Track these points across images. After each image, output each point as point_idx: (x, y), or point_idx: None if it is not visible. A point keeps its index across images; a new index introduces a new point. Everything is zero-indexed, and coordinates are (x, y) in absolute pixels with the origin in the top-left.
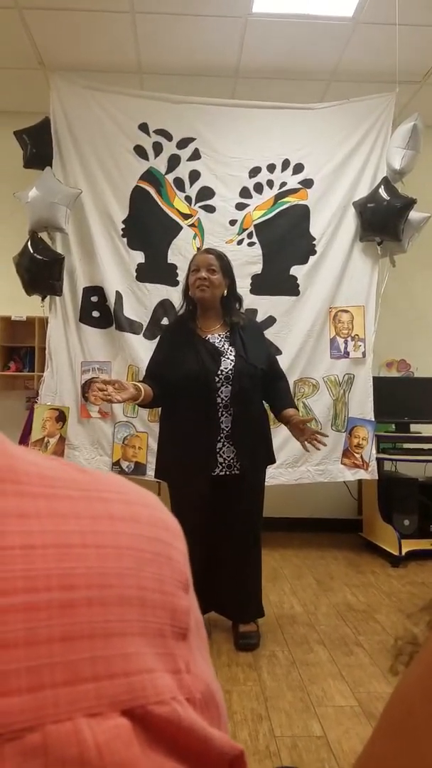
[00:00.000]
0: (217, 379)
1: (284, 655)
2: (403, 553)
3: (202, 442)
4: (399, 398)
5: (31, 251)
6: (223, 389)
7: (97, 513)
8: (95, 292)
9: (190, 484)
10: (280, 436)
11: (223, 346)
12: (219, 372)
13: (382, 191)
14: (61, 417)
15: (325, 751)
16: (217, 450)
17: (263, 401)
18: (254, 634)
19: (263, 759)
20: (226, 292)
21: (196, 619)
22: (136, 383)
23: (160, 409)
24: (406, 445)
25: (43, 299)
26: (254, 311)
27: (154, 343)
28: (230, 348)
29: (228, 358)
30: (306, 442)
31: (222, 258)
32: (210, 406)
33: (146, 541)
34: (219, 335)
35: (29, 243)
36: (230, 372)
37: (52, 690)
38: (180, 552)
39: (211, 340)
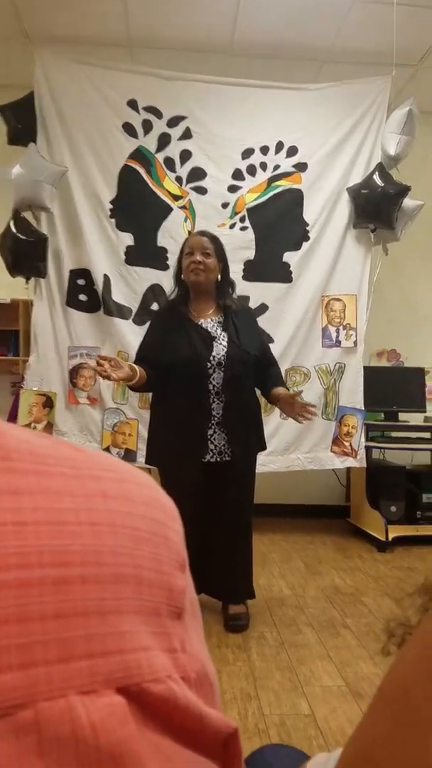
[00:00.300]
0: (209, 364)
1: (273, 636)
2: (390, 538)
3: (193, 429)
4: (388, 388)
5: (14, 231)
6: (215, 375)
7: (90, 491)
8: (82, 275)
9: (181, 470)
10: (272, 423)
11: (215, 331)
12: (211, 358)
13: (376, 177)
14: (48, 403)
15: (312, 728)
16: (209, 437)
17: (255, 388)
18: (244, 616)
19: (252, 737)
20: (219, 276)
21: (192, 599)
22: (132, 364)
23: (151, 395)
24: (394, 434)
25: (27, 281)
26: (246, 298)
27: (144, 328)
28: (223, 333)
29: (221, 344)
30: (297, 416)
31: (216, 241)
32: (202, 392)
33: (141, 519)
34: (212, 320)
35: (12, 222)
36: (222, 358)
37: (44, 667)
38: (176, 532)
39: (203, 325)
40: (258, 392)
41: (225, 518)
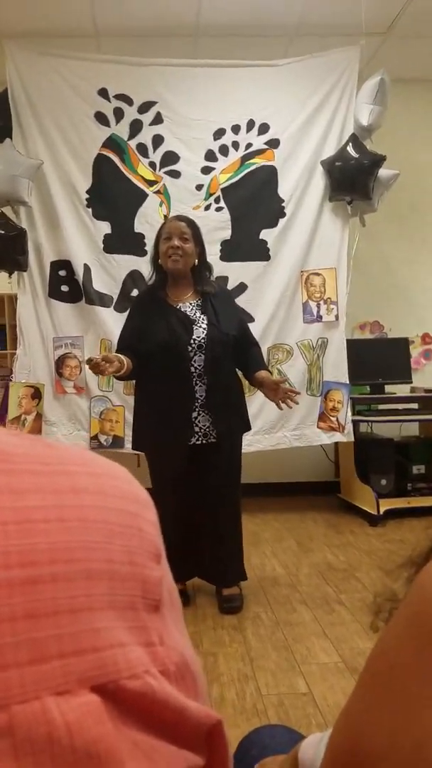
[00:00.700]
0: (189, 348)
1: (268, 616)
2: (381, 512)
3: (177, 412)
4: (373, 360)
5: None
6: (196, 358)
7: (60, 487)
8: (63, 266)
9: (167, 454)
10: (256, 403)
11: (194, 314)
12: (191, 341)
13: (350, 149)
14: (37, 394)
15: (311, 706)
16: (193, 419)
17: (236, 369)
18: (237, 597)
19: (251, 717)
20: (197, 260)
21: (170, 590)
22: (120, 356)
23: (134, 381)
24: (381, 406)
25: (10, 276)
26: (225, 278)
27: (125, 315)
28: (202, 316)
29: (200, 327)
30: (280, 402)
31: (193, 225)
32: (184, 375)
33: (114, 513)
34: (190, 304)
35: None
36: (203, 340)
37: (16, 669)
38: (150, 523)
39: (182, 309)
40: (240, 374)
41: (213, 501)
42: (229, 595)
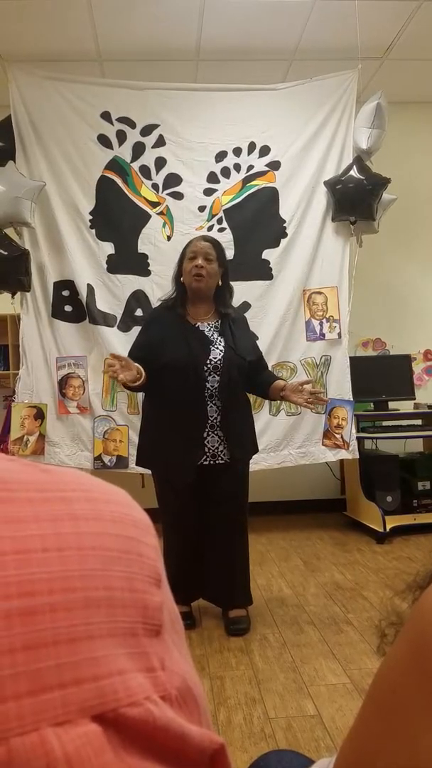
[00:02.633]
0: (205, 368)
1: (275, 637)
2: (388, 529)
3: (188, 431)
4: (376, 377)
5: None
6: (210, 378)
7: (58, 514)
8: (66, 286)
9: (175, 474)
10: (261, 421)
11: (212, 335)
12: (208, 361)
13: (354, 171)
14: (40, 414)
15: (319, 729)
16: (203, 439)
17: (248, 390)
18: (244, 619)
19: (259, 741)
20: (220, 281)
21: (171, 614)
22: (138, 366)
23: (139, 399)
24: (385, 423)
25: (13, 296)
26: None
27: (129, 335)
28: (220, 338)
29: (217, 348)
30: (307, 402)
31: (218, 246)
32: (198, 394)
33: (112, 539)
34: (209, 324)
35: None
36: (219, 362)
37: (15, 701)
38: (150, 547)
39: (200, 328)
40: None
41: (221, 520)
42: (236, 617)
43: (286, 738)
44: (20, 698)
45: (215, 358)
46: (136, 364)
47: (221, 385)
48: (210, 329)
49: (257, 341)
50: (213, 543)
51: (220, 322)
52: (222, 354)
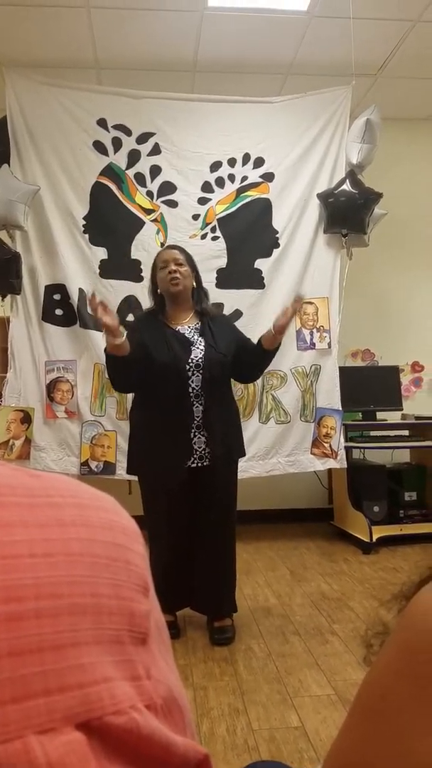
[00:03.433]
0: (188, 367)
1: (260, 647)
2: (374, 539)
3: (176, 433)
4: (364, 387)
5: None
6: (193, 378)
7: (46, 520)
8: (57, 289)
9: (163, 477)
10: (251, 428)
11: (193, 336)
12: (189, 360)
13: (347, 185)
14: (26, 418)
15: (303, 741)
16: (190, 440)
17: (240, 376)
18: (229, 629)
19: (242, 753)
20: (194, 283)
21: (157, 623)
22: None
23: (128, 405)
24: (372, 433)
25: (3, 298)
26: (221, 305)
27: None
28: (200, 338)
29: (198, 348)
30: (290, 315)
31: (185, 251)
32: (182, 394)
33: (100, 545)
34: (189, 327)
35: None
36: (201, 360)
37: None
38: (138, 555)
39: (181, 331)
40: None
41: (209, 524)
42: (221, 626)
43: (269, 750)
44: (4, 705)
45: (196, 357)
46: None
47: (204, 384)
48: (190, 331)
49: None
50: (202, 548)
51: (199, 324)
52: (203, 353)
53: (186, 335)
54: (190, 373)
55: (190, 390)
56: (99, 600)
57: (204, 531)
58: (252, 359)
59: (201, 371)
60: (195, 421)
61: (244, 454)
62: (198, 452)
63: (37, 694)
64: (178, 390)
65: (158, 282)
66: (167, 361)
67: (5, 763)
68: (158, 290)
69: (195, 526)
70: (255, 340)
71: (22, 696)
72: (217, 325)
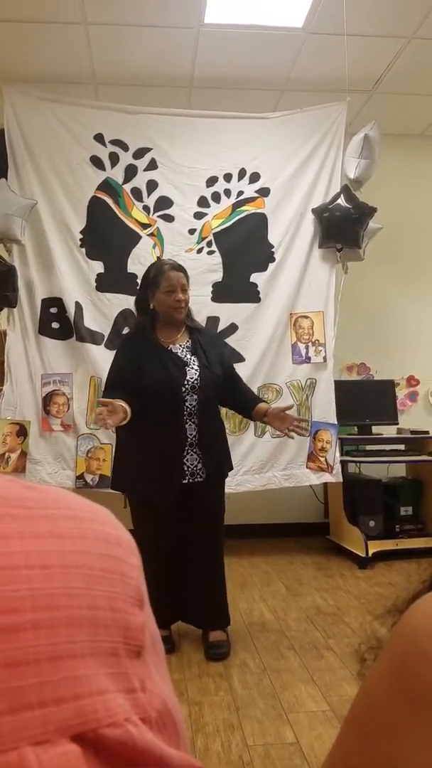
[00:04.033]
0: (183, 388)
1: (255, 662)
2: (370, 554)
3: (168, 451)
4: (360, 401)
5: None
6: (188, 398)
7: (41, 532)
8: (54, 303)
9: (155, 494)
10: (246, 442)
11: (186, 356)
12: (185, 382)
13: (341, 200)
14: (22, 431)
15: (298, 757)
16: (183, 458)
17: (228, 407)
18: (224, 643)
19: None
20: None
21: (152, 635)
22: (123, 405)
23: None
24: (368, 447)
25: None
26: (216, 319)
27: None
28: (193, 358)
29: (192, 368)
30: (288, 431)
31: (187, 273)
32: (177, 415)
33: (96, 558)
34: (180, 345)
35: None
36: (196, 381)
37: None
38: (133, 567)
39: (173, 351)
40: (232, 410)
41: (200, 538)
42: (216, 641)
43: (264, 766)
44: (0, 716)
45: (192, 378)
46: (121, 403)
47: (199, 404)
48: (183, 350)
49: (243, 362)
50: (193, 562)
51: (190, 341)
52: (198, 373)
53: (179, 355)
54: (185, 394)
55: (185, 409)
56: (95, 612)
57: (195, 543)
58: (233, 405)
59: (197, 392)
60: (189, 439)
61: (232, 468)
62: (190, 469)
63: (33, 706)
64: (172, 410)
65: (158, 302)
66: (163, 383)
67: None
68: (151, 306)
69: (186, 539)
70: (249, 353)
71: (18, 707)
72: (205, 339)
